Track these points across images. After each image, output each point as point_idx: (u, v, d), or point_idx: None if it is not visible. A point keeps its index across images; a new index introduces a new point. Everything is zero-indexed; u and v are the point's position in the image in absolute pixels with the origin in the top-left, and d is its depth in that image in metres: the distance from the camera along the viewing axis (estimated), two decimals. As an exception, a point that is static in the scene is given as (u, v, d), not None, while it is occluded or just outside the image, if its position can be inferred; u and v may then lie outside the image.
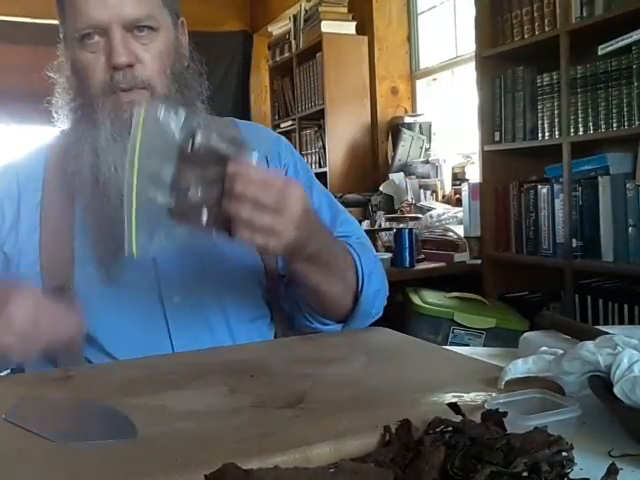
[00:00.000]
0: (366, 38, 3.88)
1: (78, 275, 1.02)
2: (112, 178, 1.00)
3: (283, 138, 1.25)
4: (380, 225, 3.16)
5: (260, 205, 0.81)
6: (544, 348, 0.73)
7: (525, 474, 0.48)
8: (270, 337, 1.10)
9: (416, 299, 2.46)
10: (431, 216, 3.03)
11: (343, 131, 3.87)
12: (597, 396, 0.64)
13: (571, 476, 0.50)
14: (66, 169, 1.04)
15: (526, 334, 0.93)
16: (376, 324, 1.13)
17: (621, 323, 2.14)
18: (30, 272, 1.03)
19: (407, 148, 3.66)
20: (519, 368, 0.70)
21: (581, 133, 2.24)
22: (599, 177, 2.21)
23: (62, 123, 1.09)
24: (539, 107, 2.41)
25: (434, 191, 3.41)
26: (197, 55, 1.11)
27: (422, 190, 3.43)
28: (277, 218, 0.83)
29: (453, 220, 2.94)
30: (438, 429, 0.55)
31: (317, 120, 4.06)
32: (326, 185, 3.81)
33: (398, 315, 2.54)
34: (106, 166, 1.00)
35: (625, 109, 2.10)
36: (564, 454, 0.51)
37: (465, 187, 2.83)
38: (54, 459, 0.57)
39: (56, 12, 1.04)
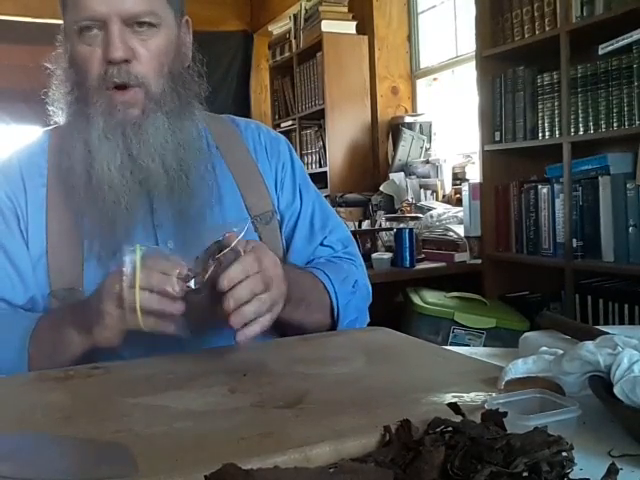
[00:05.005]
0: (366, 38, 3.88)
1: (85, 276, 1.02)
2: (105, 176, 1.00)
3: (282, 137, 1.25)
4: (380, 225, 3.16)
5: (254, 294, 0.86)
6: (544, 348, 0.73)
7: (525, 474, 0.48)
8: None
9: (416, 299, 2.46)
10: (431, 216, 3.03)
11: (343, 131, 3.87)
12: (597, 396, 0.64)
13: (571, 476, 0.50)
14: (62, 164, 1.04)
15: (526, 334, 0.93)
16: (376, 324, 1.13)
17: (621, 323, 2.14)
18: (35, 272, 1.03)
19: (407, 148, 3.66)
20: (519, 368, 0.70)
21: (581, 133, 2.24)
22: (599, 177, 2.21)
23: (58, 116, 1.08)
24: (539, 107, 2.41)
25: (434, 191, 3.41)
26: (198, 55, 1.11)
27: (422, 190, 3.43)
28: (270, 293, 0.88)
29: (453, 220, 2.94)
30: (438, 429, 0.55)
31: (317, 120, 4.06)
32: (326, 185, 3.82)
33: (398, 315, 2.54)
34: (99, 163, 1.00)
35: (625, 109, 2.10)
36: (564, 454, 0.50)
37: (465, 187, 2.83)
38: None
39: (58, 2, 1.03)
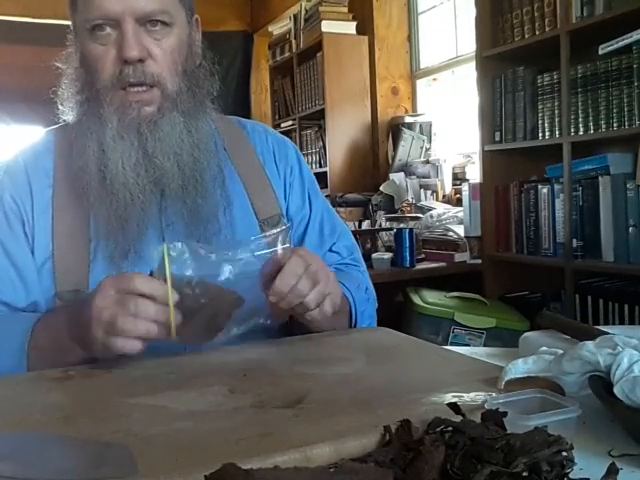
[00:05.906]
0: (366, 38, 3.88)
1: (92, 277, 1.01)
2: (119, 175, 0.99)
3: (289, 140, 1.25)
4: (380, 225, 3.16)
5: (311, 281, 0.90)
6: (544, 348, 0.73)
7: (525, 474, 0.48)
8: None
9: (416, 299, 2.46)
10: (431, 216, 3.03)
11: (343, 131, 3.87)
12: (597, 396, 0.64)
13: (571, 476, 0.50)
14: (73, 164, 1.02)
15: (526, 334, 0.93)
16: (376, 324, 1.13)
17: (621, 323, 2.14)
18: (41, 274, 1.02)
19: (407, 148, 3.67)
20: (519, 368, 0.70)
21: (581, 133, 2.24)
22: (599, 177, 2.21)
23: (67, 115, 1.07)
24: (539, 107, 2.41)
25: (434, 191, 3.41)
26: (209, 53, 1.10)
27: (422, 190, 3.43)
28: (325, 284, 0.92)
29: (453, 220, 2.94)
30: (438, 429, 0.55)
31: (317, 120, 4.06)
32: (326, 185, 3.82)
33: (398, 315, 2.54)
34: (113, 163, 0.99)
35: (625, 109, 2.10)
36: (564, 454, 0.50)
37: (465, 187, 2.83)
38: None
39: (67, 2, 1.03)
